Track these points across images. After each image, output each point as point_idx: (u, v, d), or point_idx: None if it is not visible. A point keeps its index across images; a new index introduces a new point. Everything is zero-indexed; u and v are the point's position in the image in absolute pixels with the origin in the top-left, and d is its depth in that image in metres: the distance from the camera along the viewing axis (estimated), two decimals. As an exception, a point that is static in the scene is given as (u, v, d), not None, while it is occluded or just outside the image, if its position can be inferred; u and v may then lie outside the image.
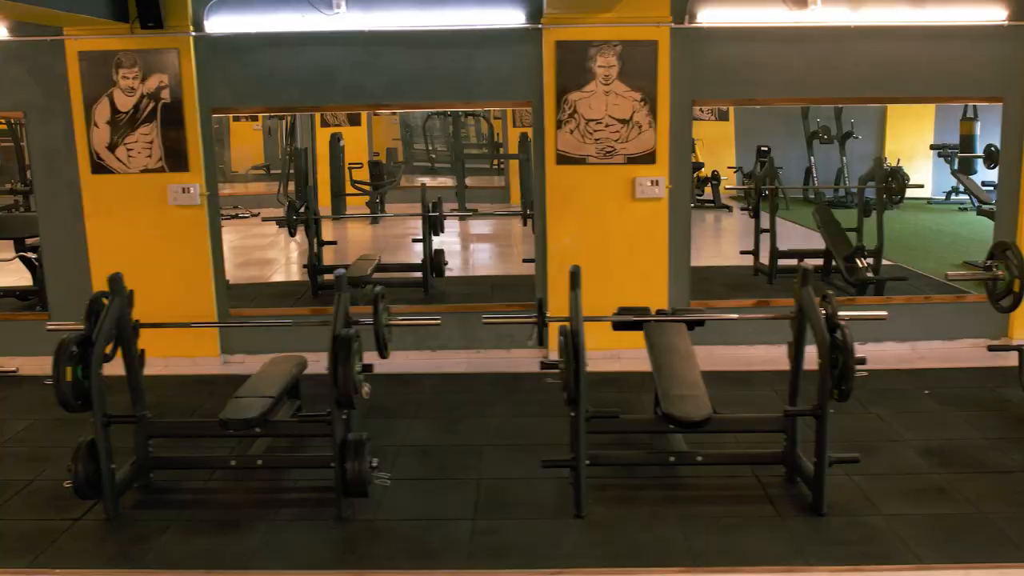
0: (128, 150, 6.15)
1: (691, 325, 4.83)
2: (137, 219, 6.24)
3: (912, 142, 12.79)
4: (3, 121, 13.05)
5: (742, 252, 8.74)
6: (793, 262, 6.96)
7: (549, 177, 6.20)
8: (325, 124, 13.38)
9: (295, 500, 4.37)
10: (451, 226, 12.13)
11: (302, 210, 8.41)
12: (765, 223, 8.32)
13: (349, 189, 12.58)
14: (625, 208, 6.21)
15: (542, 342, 4.48)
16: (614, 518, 4.06)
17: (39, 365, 4.90)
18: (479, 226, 12.67)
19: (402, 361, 6.23)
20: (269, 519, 4.14)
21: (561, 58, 6.01)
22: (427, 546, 3.86)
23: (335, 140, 12.33)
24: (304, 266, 8.38)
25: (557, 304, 5.84)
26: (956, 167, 11.39)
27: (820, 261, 7.87)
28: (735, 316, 6.24)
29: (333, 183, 12.20)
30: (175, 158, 6.15)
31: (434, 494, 4.37)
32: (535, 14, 6.01)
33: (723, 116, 13.02)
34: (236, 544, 3.93)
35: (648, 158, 6.15)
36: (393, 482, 4.37)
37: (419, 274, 8.05)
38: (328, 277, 7.57)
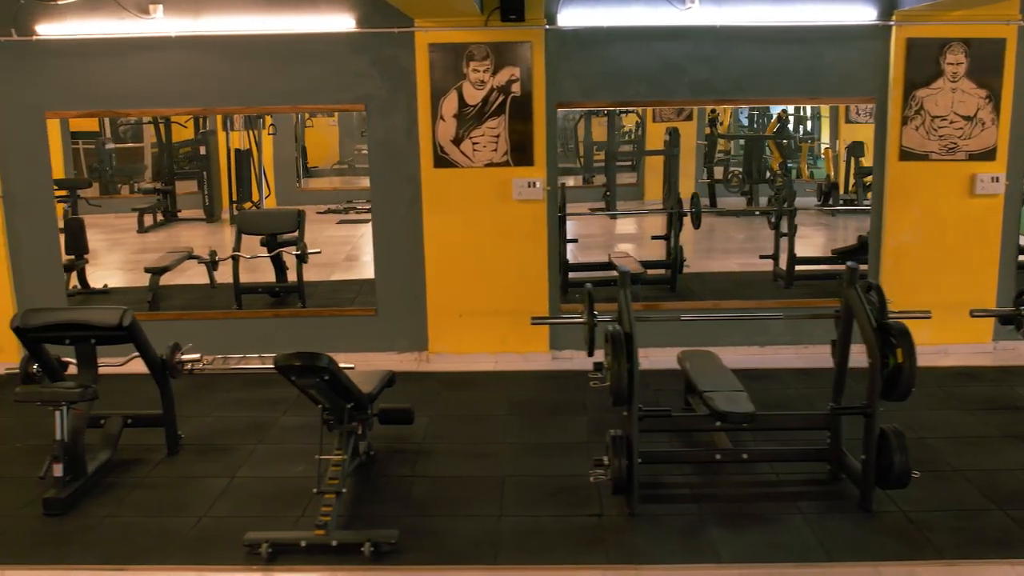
0: (474, 144, 6.11)
1: None
2: (478, 213, 6.20)
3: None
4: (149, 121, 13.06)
5: None
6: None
7: (890, 173, 6.24)
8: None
9: (799, 493, 4.37)
10: (614, 224, 12.17)
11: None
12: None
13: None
14: (962, 204, 6.26)
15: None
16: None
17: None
18: (628, 224, 12.69)
19: (742, 357, 6.28)
20: (791, 512, 4.16)
21: (910, 55, 6.06)
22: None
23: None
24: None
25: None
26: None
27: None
28: None
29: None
30: (521, 152, 6.12)
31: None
32: (886, 11, 6.05)
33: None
34: (785, 536, 3.94)
35: (989, 155, 6.21)
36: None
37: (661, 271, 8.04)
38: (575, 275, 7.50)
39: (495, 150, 6.11)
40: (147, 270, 8.04)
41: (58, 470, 4.30)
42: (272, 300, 7.71)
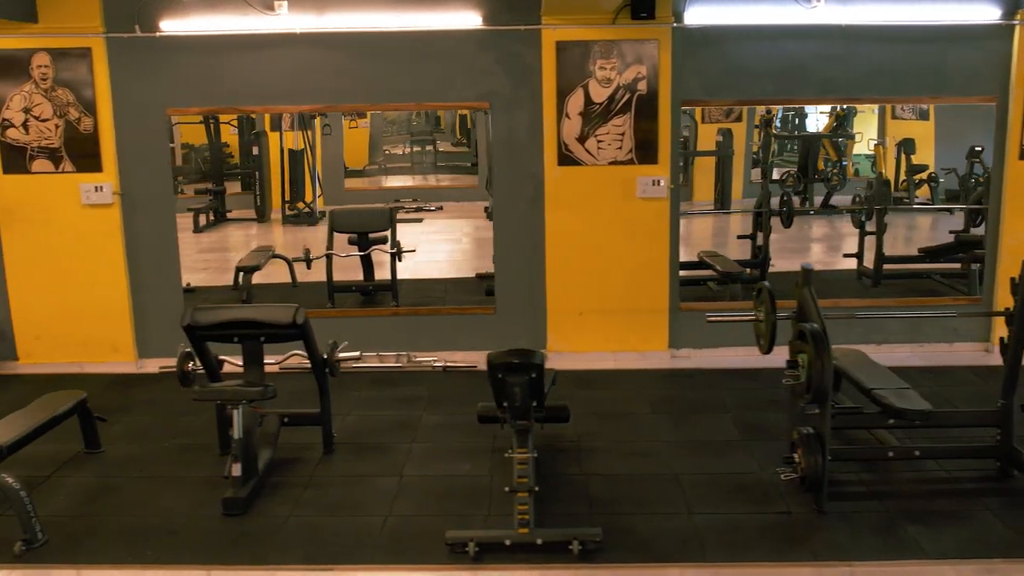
0: (598, 142, 6.09)
1: None
2: (601, 211, 6.17)
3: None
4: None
5: None
6: None
7: (1010, 171, 6.25)
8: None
9: (976, 490, 4.37)
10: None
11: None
12: None
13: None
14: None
15: None
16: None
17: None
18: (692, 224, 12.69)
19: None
20: (978, 508, 4.16)
21: (1034, 54, 6.09)
22: None
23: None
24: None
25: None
26: None
27: None
28: None
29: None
30: (645, 150, 6.10)
31: None
32: (1010, 11, 6.07)
33: (923, 115, 13.15)
34: (982, 531, 3.95)
35: (1102, 154, 6.24)
36: None
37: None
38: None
39: (620, 148, 6.10)
40: (239, 268, 7.99)
41: (237, 470, 4.25)
42: (362, 299, 7.68)
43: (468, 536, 3.82)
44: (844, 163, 12.67)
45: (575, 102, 6.04)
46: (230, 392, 4.25)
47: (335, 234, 7.74)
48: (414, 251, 7.86)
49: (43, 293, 6.28)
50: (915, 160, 12.85)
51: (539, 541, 3.81)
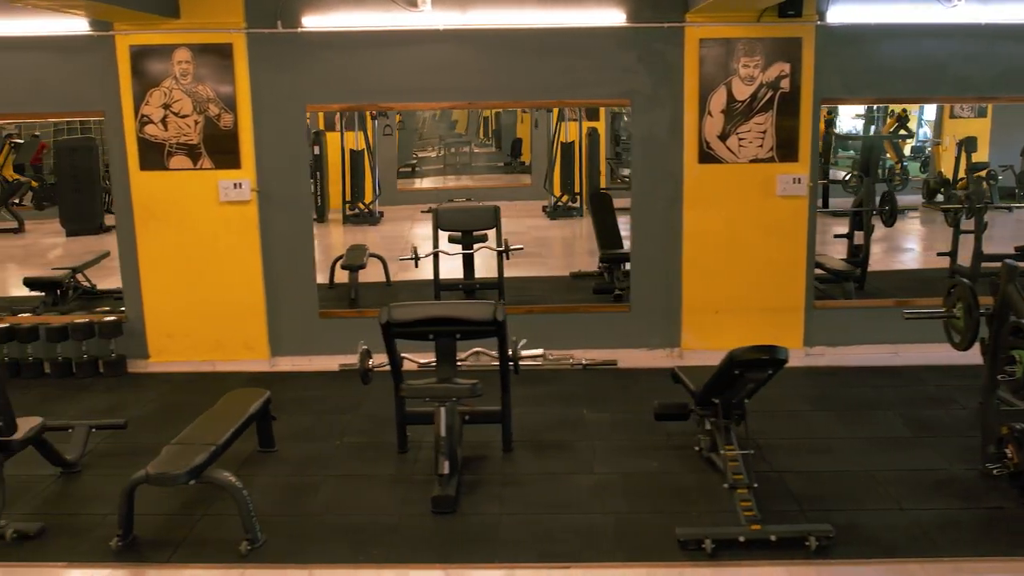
0: (740, 139, 6.09)
1: None
2: (739, 209, 6.18)
3: None
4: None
5: None
6: None
7: None
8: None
9: None
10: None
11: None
12: None
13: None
14: None
15: None
16: None
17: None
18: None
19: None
20: None
21: None
22: None
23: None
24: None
25: None
26: None
27: None
28: None
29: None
30: (786, 148, 6.11)
31: None
32: None
33: (981, 113, 13.23)
34: None
35: None
36: None
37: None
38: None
39: (761, 146, 6.10)
40: (344, 267, 7.95)
41: (445, 467, 4.23)
42: (465, 297, 7.66)
43: (702, 533, 3.81)
44: (905, 163, 12.75)
45: (718, 100, 6.05)
46: (441, 389, 4.23)
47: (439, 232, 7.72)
48: (522, 248, 7.85)
49: (177, 291, 6.23)
50: (972, 158, 12.92)
51: (773, 538, 3.81)
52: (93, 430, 4.86)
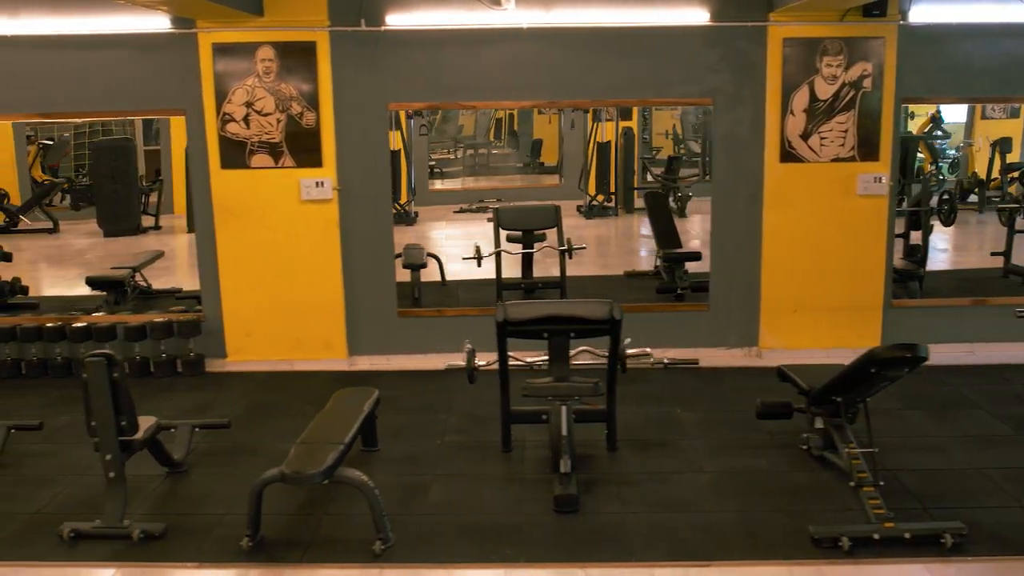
0: (821, 139, 6.10)
1: None
2: (819, 208, 6.19)
3: None
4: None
5: None
6: None
7: None
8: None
9: None
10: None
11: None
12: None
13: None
14: None
15: None
16: None
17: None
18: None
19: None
20: None
21: None
22: None
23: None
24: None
25: None
26: None
27: None
28: None
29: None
30: (867, 147, 6.12)
31: None
32: None
33: (1014, 114, 13.27)
34: None
35: None
36: None
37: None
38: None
39: (842, 145, 6.11)
40: (405, 266, 7.93)
41: (566, 466, 4.22)
42: (525, 296, 7.64)
43: (837, 531, 3.81)
44: (940, 164, 12.77)
45: (800, 99, 6.05)
46: (564, 388, 4.22)
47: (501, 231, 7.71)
48: (584, 248, 7.84)
49: (256, 289, 6.21)
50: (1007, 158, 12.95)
51: (907, 535, 3.81)
52: (196, 430, 4.84)
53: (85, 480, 4.58)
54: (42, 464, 4.84)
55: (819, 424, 4.60)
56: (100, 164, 12.00)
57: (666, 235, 8.13)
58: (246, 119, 5.98)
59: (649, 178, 13.82)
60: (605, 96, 6.23)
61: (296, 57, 5.92)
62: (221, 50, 5.91)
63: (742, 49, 6.06)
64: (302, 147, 6.03)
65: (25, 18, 5.96)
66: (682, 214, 12.57)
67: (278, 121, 6.00)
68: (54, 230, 12.39)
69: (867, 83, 6.04)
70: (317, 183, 6.06)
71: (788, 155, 6.12)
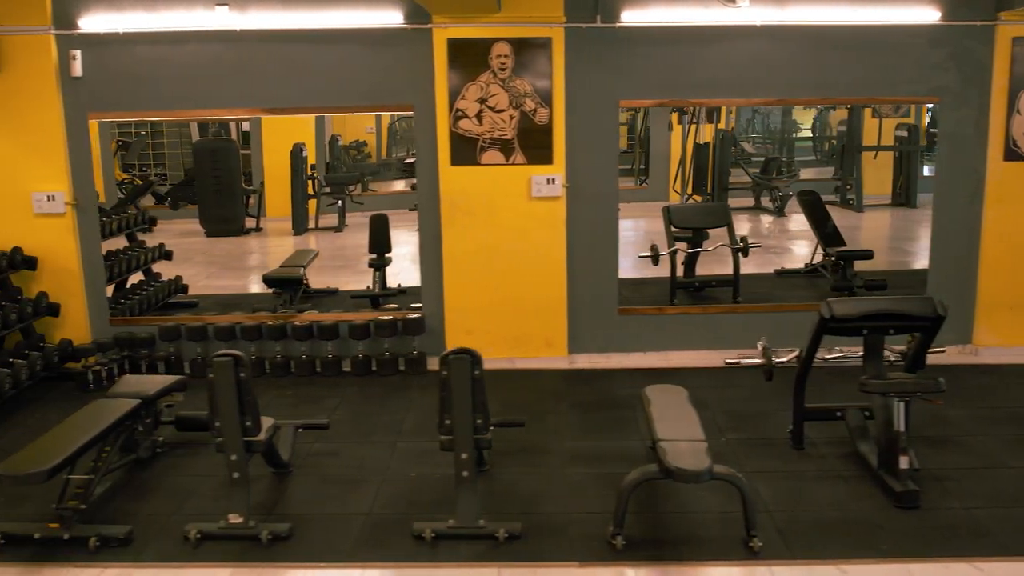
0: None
1: None
2: (1039, 206, 6.24)
3: None
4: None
5: None
6: None
7: None
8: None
9: None
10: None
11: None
12: None
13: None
14: None
15: None
16: None
17: None
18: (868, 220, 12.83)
19: None
20: None
21: None
22: None
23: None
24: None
25: None
26: None
27: None
28: None
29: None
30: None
31: None
32: None
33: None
34: None
35: None
36: None
37: None
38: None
39: (1066, 143, 6.17)
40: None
41: (904, 463, 4.21)
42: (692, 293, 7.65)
43: None
44: None
45: (1025, 98, 6.10)
46: (911, 384, 4.21)
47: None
48: (759, 246, 7.85)
49: (479, 287, 6.16)
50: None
51: None
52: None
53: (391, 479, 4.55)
54: (334, 463, 4.80)
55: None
56: (202, 164, 11.84)
57: (831, 234, 8.15)
58: (479, 116, 5.93)
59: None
60: (834, 94, 6.23)
61: (531, 53, 5.88)
62: (456, 46, 5.85)
63: (969, 48, 6.09)
64: (534, 144, 5.98)
65: (254, 12, 5.89)
66: (780, 213, 12.65)
67: (511, 118, 5.95)
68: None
69: (1077, 82, 6.09)
70: (548, 180, 6.02)
71: (1012, 154, 6.16)
